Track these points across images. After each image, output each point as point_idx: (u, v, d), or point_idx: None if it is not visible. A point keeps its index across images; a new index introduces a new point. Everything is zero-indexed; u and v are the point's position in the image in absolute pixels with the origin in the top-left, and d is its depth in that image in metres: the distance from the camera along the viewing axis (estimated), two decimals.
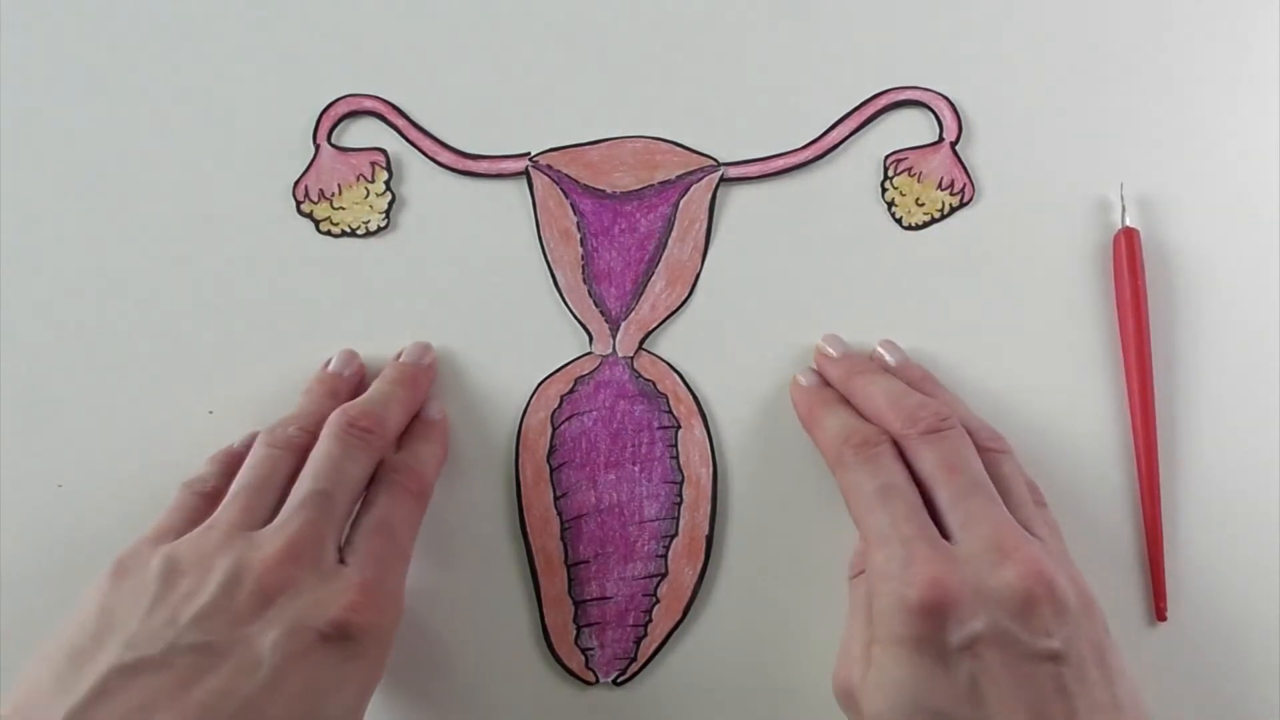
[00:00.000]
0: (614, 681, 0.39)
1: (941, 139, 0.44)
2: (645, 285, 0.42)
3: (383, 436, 0.37)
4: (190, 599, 0.31)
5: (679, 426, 0.41)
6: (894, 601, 0.31)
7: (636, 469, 0.41)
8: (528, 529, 0.40)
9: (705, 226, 0.43)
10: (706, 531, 0.40)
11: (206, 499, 0.36)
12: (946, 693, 0.29)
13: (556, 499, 0.41)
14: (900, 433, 0.36)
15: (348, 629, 0.31)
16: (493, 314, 0.42)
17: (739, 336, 0.42)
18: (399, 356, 0.41)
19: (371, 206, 0.43)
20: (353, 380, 0.41)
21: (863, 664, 0.32)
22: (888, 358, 0.41)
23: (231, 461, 0.37)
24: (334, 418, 0.36)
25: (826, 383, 0.41)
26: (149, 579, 0.32)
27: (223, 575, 0.31)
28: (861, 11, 0.45)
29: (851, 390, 0.39)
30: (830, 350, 0.41)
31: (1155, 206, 0.43)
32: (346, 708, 0.31)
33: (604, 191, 0.43)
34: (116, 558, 0.33)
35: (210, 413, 0.41)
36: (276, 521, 0.33)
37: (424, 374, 0.41)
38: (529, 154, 0.44)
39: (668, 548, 0.40)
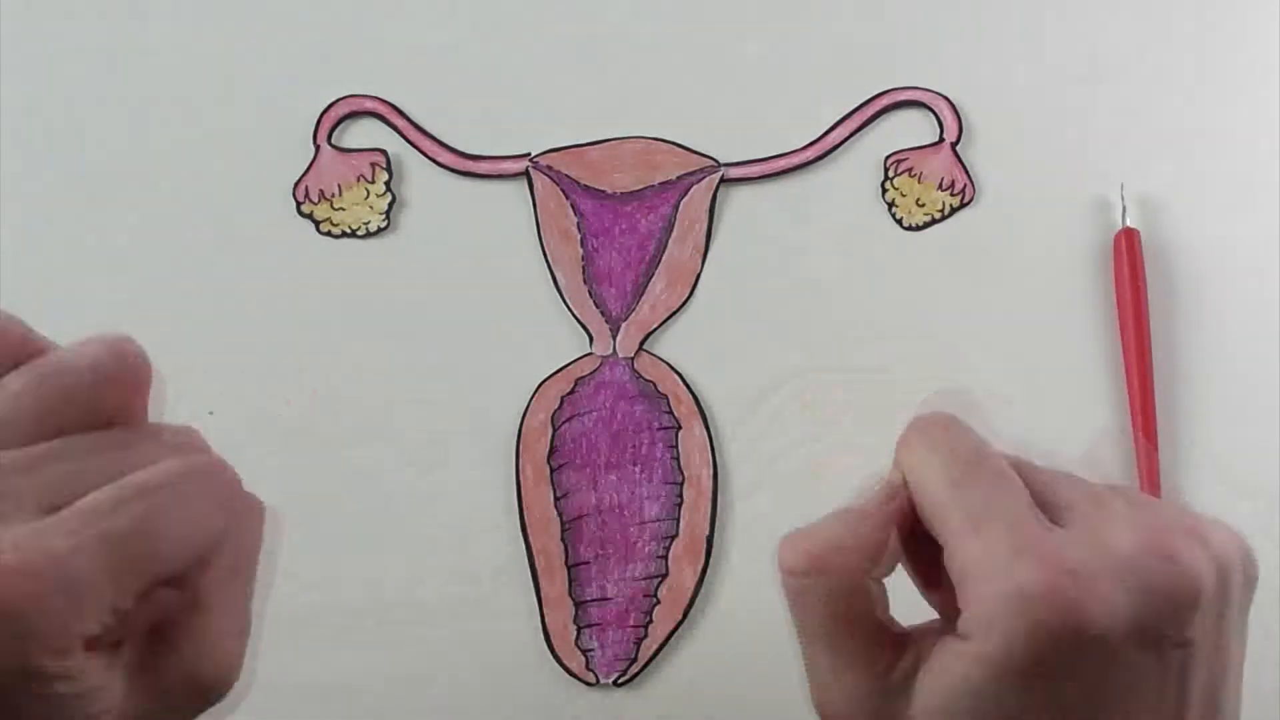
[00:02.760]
0: (614, 682, 0.39)
1: (942, 139, 0.44)
2: (645, 286, 0.42)
3: None
4: None
5: (679, 427, 0.41)
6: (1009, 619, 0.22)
7: (637, 470, 0.41)
8: (528, 529, 0.40)
9: (705, 227, 0.43)
10: (707, 532, 0.40)
11: None
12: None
13: (557, 500, 0.41)
14: None
15: None
16: (493, 314, 0.42)
17: (739, 337, 0.42)
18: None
19: (371, 207, 0.43)
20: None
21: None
22: None
23: None
24: None
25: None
26: None
27: None
28: (861, 11, 0.45)
29: None
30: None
31: (1155, 206, 0.43)
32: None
33: (604, 192, 0.43)
34: None
35: (210, 413, 0.41)
36: None
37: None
38: (529, 154, 0.44)
39: (668, 548, 0.40)
